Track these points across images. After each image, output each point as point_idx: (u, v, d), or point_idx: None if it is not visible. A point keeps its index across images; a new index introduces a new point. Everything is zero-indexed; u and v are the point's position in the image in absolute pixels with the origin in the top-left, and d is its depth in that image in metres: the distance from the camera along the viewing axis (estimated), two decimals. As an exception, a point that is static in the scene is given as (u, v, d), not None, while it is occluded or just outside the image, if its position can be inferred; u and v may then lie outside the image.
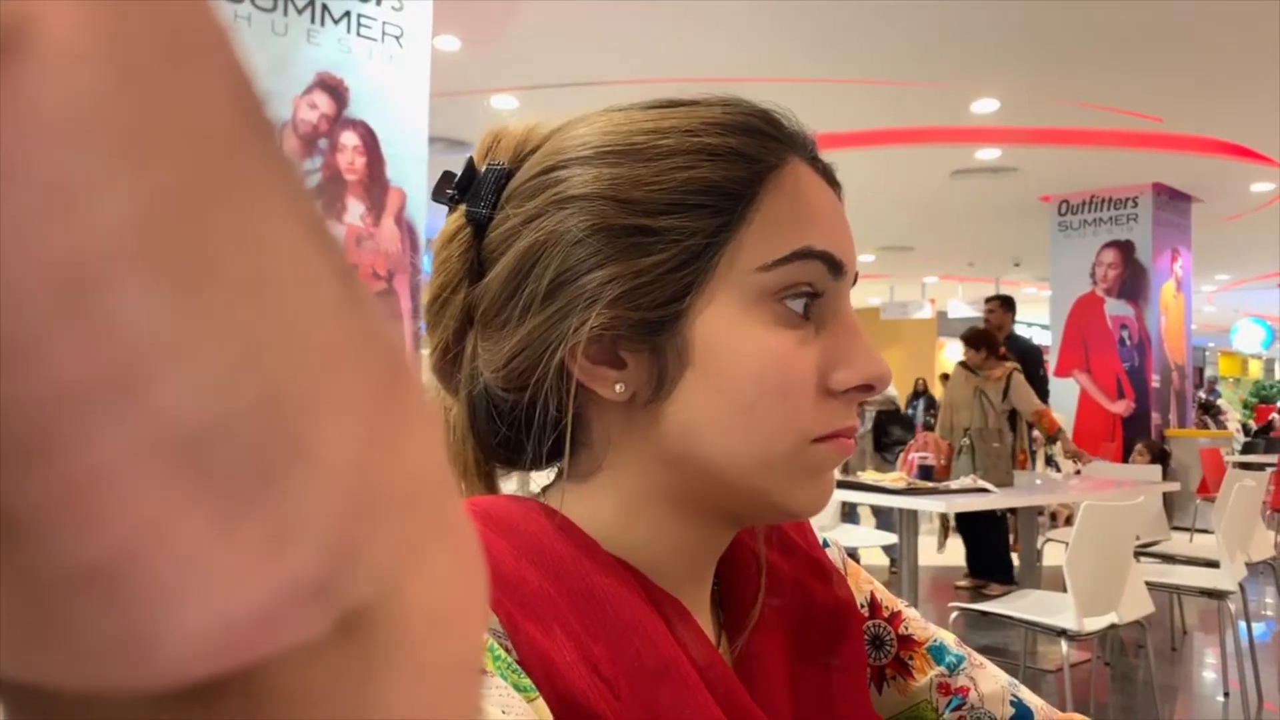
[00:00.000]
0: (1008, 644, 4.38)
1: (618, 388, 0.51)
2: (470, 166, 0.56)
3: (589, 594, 0.49)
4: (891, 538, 4.60)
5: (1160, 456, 6.68)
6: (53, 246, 0.11)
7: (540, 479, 0.59)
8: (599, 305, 0.49)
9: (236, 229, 0.12)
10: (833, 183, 0.55)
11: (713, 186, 0.50)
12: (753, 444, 0.50)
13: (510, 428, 0.55)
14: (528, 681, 0.44)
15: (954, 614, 3.41)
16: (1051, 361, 8.29)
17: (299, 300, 0.13)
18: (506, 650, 0.45)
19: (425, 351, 0.59)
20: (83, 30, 0.11)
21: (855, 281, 0.55)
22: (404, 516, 0.15)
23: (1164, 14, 4.89)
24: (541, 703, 0.44)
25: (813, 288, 0.51)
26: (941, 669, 0.67)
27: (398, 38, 3.65)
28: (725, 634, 0.59)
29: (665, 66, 5.61)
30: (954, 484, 4.02)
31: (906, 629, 0.68)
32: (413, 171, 3.66)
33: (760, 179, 0.51)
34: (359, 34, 3.55)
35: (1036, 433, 5.76)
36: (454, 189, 0.56)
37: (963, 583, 5.87)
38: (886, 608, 0.69)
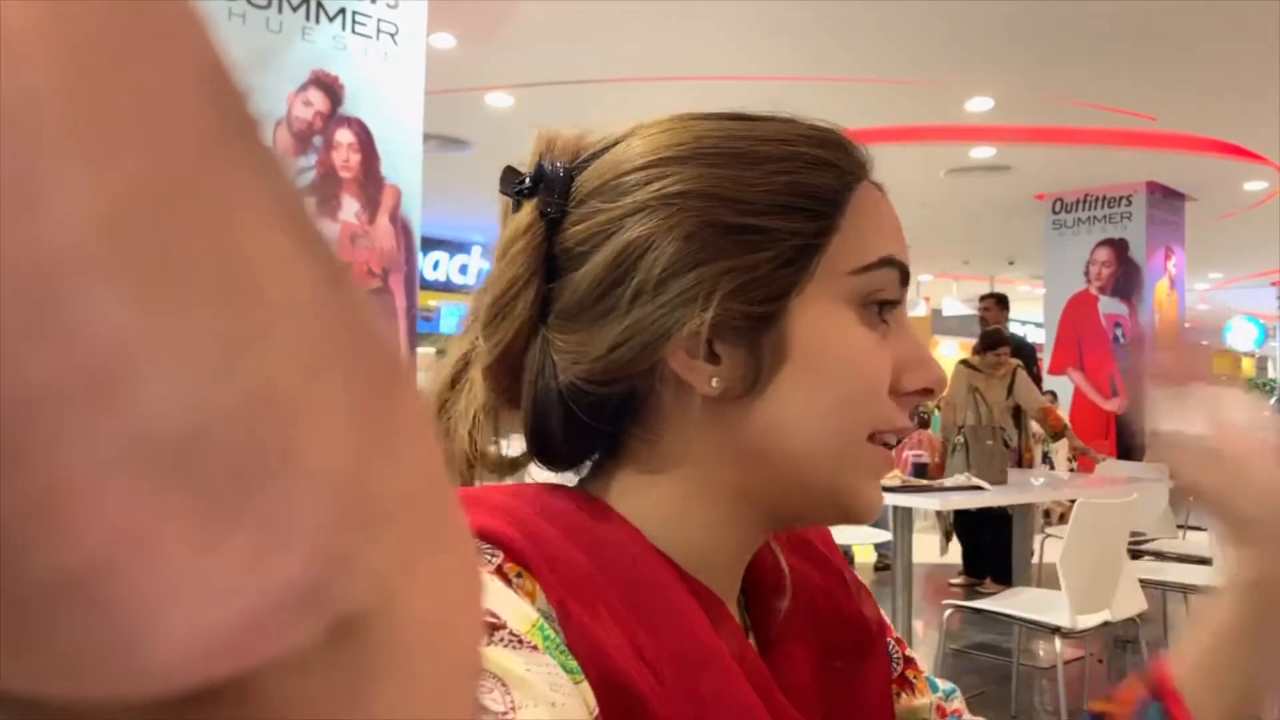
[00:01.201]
0: (1001, 641, 4.39)
1: (713, 382, 0.52)
2: (540, 162, 0.56)
3: (636, 580, 0.50)
4: (884, 535, 4.61)
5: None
6: (15, 248, 0.10)
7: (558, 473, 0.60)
8: (716, 296, 0.50)
9: (210, 228, 0.12)
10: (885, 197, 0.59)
11: (813, 191, 0.53)
12: (834, 439, 0.53)
13: (593, 420, 0.54)
14: (575, 664, 0.45)
15: (948, 611, 3.42)
16: (1045, 359, 8.31)
17: (280, 300, 0.13)
18: (555, 631, 0.45)
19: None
20: (35, 24, 0.11)
21: None
22: (400, 523, 0.15)
23: (1158, 13, 4.90)
24: (587, 686, 0.45)
25: (888, 294, 0.54)
26: (938, 696, 0.70)
27: (393, 35, 3.65)
28: (752, 635, 0.60)
29: (660, 65, 5.61)
30: (948, 481, 4.03)
31: (909, 652, 0.71)
32: (407, 169, 3.65)
33: (849, 188, 0.54)
34: (354, 31, 3.55)
35: (1037, 429, 5.78)
36: (523, 184, 0.56)
37: (957, 580, 5.88)
38: (891, 630, 0.71)
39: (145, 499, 0.12)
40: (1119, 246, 8.37)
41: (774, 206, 0.52)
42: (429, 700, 0.16)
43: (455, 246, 11.68)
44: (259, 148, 0.13)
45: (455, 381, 0.59)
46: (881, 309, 0.54)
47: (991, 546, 5.69)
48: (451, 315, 10.50)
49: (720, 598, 0.54)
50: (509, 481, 0.59)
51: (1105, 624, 3.18)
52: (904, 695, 0.69)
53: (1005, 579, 5.43)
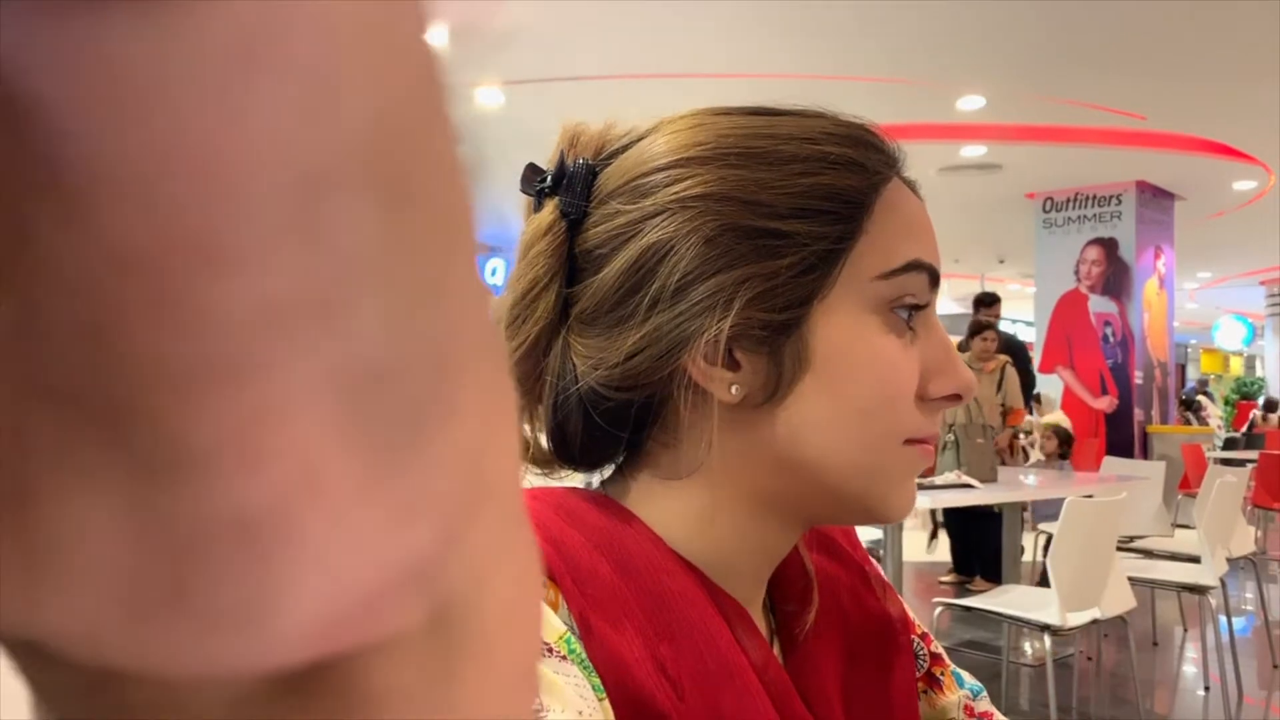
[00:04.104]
0: (991, 639, 4.41)
1: (733, 389, 0.51)
2: (562, 159, 0.55)
3: (658, 592, 0.49)
4: (875, 532, 4.62)
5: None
6: (303, 146, 0.10)
7: (579, 477, 0.58)
8: (736, 304, 0.49)
9: (439, 158, 0.12)
10: (918, 196, 0.57)
11: (836, 193, 0.51)
12: (860, 448, 0.51)
13: (612, 426, 0.53)
14: (597, 681, 0.44)
15: (938, 609, 3.43)
16: (1036, 358, 8.33)
17: (470, 250, 0.13)
18: (579, 644, 0.45)
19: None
20: None
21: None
22: (494, 509, 0.14)
23: (1147, 13, 4.92)
24: (609, 705, 0.44)
25: (916, 299, 0.53)
26: (965, 691, 0.68)
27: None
28: (777, 638, 0.59)
29: (653, 62, 5.60)
30: (938, 479, 4.03)
31: (935, 648, 0.69)
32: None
33: (875, 189, 0.52)
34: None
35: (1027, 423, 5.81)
36: (544, 181, 0.55)
37: (946, 578, 5.90)
38: (917, 626, 0.70)
39: (332, 431, 0.11)
40: (1109, 245, 8.40)
41: (796, 209, 0.50)
42: (503, 691, 0.16)
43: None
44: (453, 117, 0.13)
45: None
46: (910, 314, 0.52)
47: (980, 544, 5.70)
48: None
49: (744, 606, 0.53)
50: (547, 479, 0.59)
51: (1095, 621, 3.19)
52: (930, 693, 0.68)
53: (994, 577, 5.45)
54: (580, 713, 0.42)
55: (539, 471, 0.57)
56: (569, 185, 0.53)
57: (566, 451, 0.56)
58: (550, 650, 0.44)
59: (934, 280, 0.53)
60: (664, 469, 0.54)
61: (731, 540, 0.53)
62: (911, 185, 0.56)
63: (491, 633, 0.15)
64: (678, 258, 0.50)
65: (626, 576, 0.49)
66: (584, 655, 0.45)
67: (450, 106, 0.12)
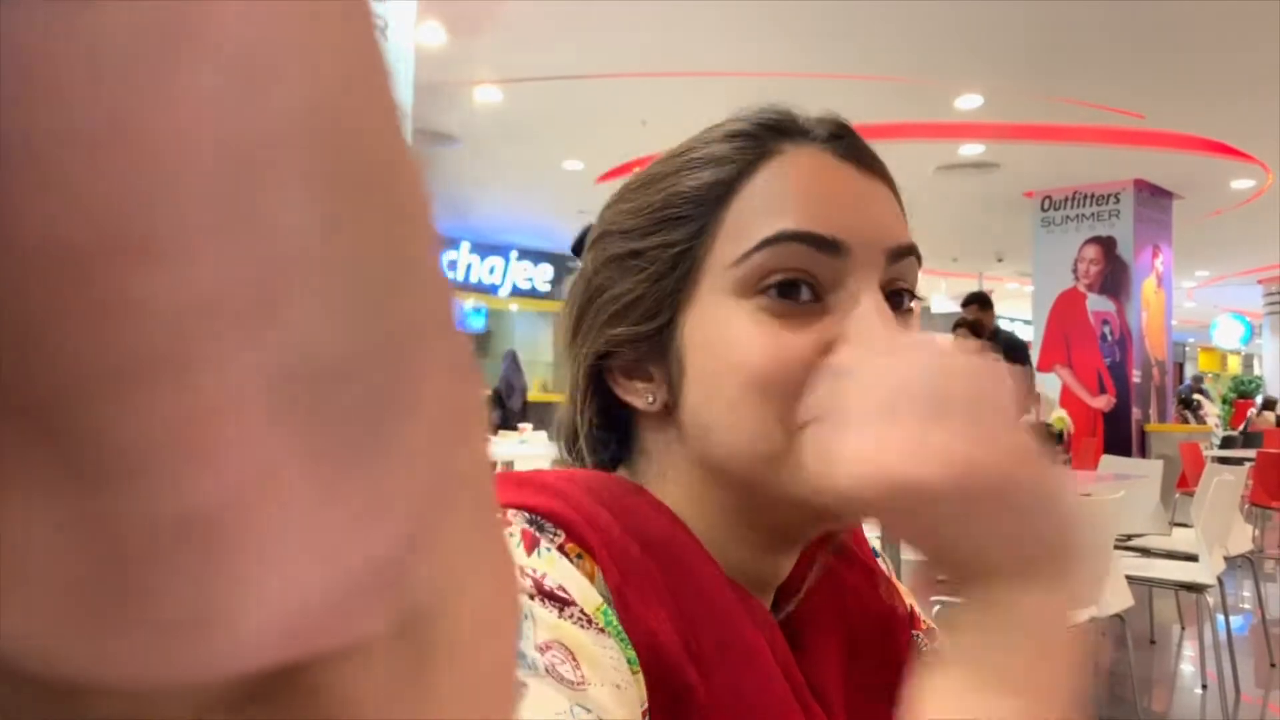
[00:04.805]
0: (989, 637, 4.41)
1: (649, 399, 0.54)
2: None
3: (683, 571, 0.50)
4: (875, 530, 4.61)
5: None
6: (231, 131, 0.10)
7: None
8: (598, 327, 0.54)
9: (386, 149, 0.12)
10: (863, 163, 0.53)
11: (688, 197, 0.52)
12: (750, 437, 0.49)
13: (602, 437, 0.58)
14: (632, 653, 0.45)
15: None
16: (1034, 356, 8.34)
17: (425, 243, 0.12)
18: (614, 616, 0.46)
19: None
20: None
21: (903, 259, 0.52)
22: (464, 510, 0.14)
23: (1146, 12, 4.91)
24: (641, 679, 0.45)
25: (803, 272, 0.49)
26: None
27: (381, 29, 3.63)
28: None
29: (649, 60, 5.60)
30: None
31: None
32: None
33: (742, 174, 0.51)
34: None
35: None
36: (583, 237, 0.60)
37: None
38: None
39: (284, 431, 0.10)
40: (1107, 244, 8.40)
41: (653, 224, 0.53)
42: (478, 697, 0.15)
43: (444, 242, 11.62)
44: (399, 104, 0.13)
45: None
46: (812, 289, 0.49)
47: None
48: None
49: (750, 591, 0.54)
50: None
51: (1092, 620, 3.19)
52: None
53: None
54: (618, 686, 0.43)
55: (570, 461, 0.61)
56: (581, 240, 0.60)
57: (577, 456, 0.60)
58: (589, 622, 0.44)
59: (823, 245, 0.49)
60: (646, 476, 0.56)
61: (720, 550, 0.53)
62: (854, 153, 0.53)
63: (466, 637, 0.15)
64: (573, 296, 0.57)
65: (653, 554, 0.49)
66: (620, 627, 0.45)
67: (398, 99, 0.12)
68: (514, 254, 12.29)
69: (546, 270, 12.61)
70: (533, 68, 5.74)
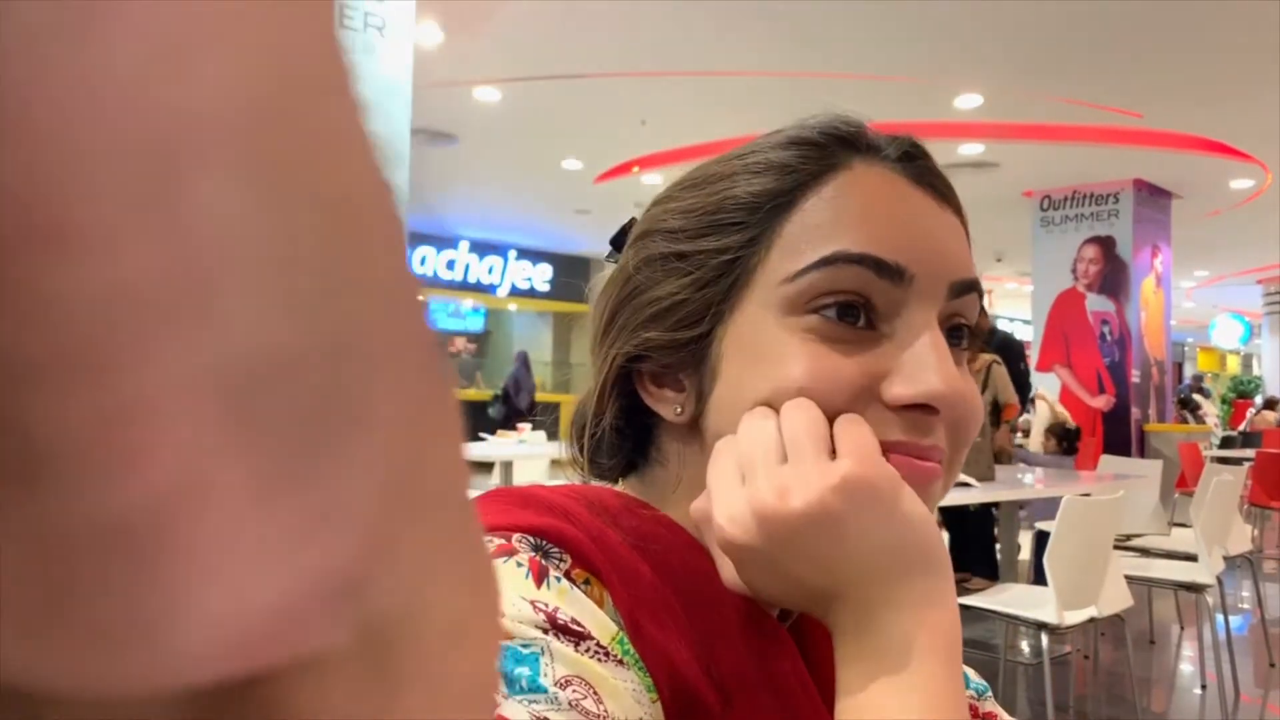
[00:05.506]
0: (988, 637, 4.40)
1: (676, 409, 0.52)
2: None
3: (699, 593, 0.48)
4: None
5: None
6: (152, 110, 0.09)
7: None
8: (633, 327, 0.52)
9: (338, 143, 0.11)
10: (936, 190, 0.52)
11: (743, 203, 0.50)
12: None
13: (619, 443, 0.56)
14: (649, 681, 0.44)
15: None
16: (1033, 356, 8.34)
17: (379, 241, 0.12)
18: (630, 643, 0.45)
19: None
20: None
21: (965, 294, 0.51)
22: (433, 518, 0.14)
23: (1145, 12, 4.91)
24: (660, 708, 0.44)
25: (860, 296, 0.47)
26: (970, 691, 0.66)
27: (380, 28, 3.62)
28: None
29: (649, 60, 5.59)
30: (936, 478, 4.02)
31: None
32: (394, 163, 3.64)
33: (802, 187, 0.49)
34: (341, 24, 3.52)
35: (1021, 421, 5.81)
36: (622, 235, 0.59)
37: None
38: None
39: (217, 433, 0.10)
40: (1106, 244, 8.40)
41: (703, 227, 0.50)
42: (451, 715, 0.15)
43: (442, 241, 11.65)
44: (355, 84, 0.12)
45: None
46: (867, 313, 0.48)
47: (974, 542, 5.71)
48: (439, 311, 10.49)
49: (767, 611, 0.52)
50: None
51: (1092, 620, 3.18)
52: None
53: (989, 574, 5.45)
54: (641, 719, 0.42)
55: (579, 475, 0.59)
56: (619, 237, 0.58)
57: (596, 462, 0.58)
58: (607, 654, 0.43)
59: (884, 270, 0.47)
60: (657, 486, 0.55)
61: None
62: (922, 174, 0.51)
63: (436, 650, 0.14)
64: (608, 292, 0.54)
65: (666, 576, 0.48)
66: (636, 655, 0.44)
67: (355, 93, 0.12)
68: (512, 253, 12.30)
69: (545, 270, 12.62)
70: (531, 67, 5.73)
